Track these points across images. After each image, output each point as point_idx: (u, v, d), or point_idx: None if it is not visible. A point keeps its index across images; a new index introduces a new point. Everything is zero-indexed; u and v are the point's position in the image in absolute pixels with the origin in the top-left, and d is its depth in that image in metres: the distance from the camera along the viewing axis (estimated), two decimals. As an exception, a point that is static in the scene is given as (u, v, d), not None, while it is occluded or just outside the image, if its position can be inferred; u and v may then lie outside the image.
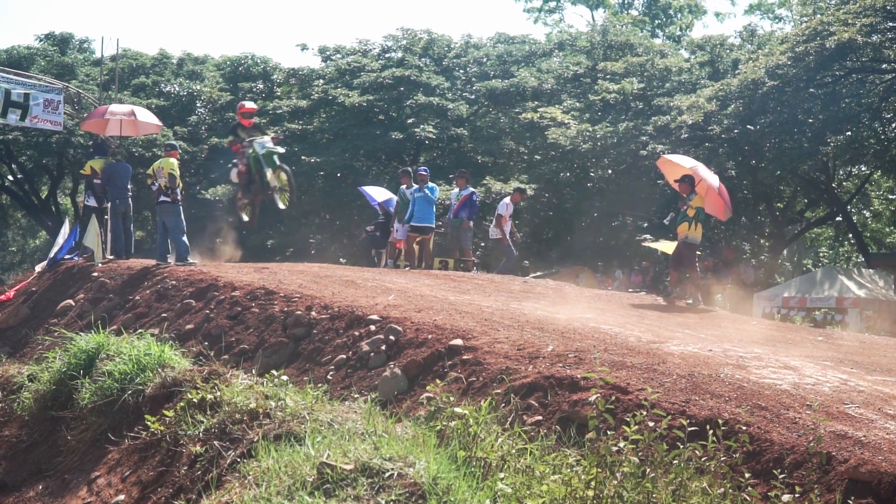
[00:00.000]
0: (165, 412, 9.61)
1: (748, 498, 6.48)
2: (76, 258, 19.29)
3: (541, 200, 40.35)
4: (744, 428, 7.10)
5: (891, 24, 33.12)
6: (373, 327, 11.08)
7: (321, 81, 47.55)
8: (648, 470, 6.66)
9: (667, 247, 19.28)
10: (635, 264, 38.83)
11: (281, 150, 19.39)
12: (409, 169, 23.04)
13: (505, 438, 7.68)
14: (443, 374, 9.32)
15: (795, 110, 32.86)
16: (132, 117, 21.01)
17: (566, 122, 39.76)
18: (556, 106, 41.72)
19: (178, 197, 18.08)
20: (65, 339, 12.73)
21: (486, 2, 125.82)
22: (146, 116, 21.89)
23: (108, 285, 16.36)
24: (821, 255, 50.99)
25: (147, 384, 10.59)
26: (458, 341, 9.94)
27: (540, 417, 8.15)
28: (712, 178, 17.65)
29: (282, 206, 19.38)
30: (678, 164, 18.38)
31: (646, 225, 37.96)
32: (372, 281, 15.14)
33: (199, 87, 50.98)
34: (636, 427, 6.94)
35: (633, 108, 40.31)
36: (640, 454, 6.83)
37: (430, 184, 21.37)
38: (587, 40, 46.40)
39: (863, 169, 38.42)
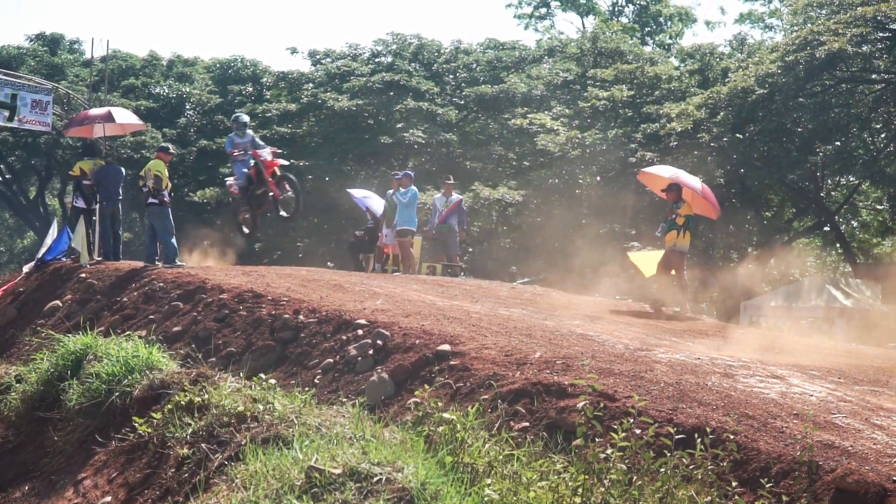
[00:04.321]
0: (153, 414, 9.62)
1: (735, 506, 6.51)
2: (64, 259, 19.24)
3: (529, 206, 40.33)
4: (731, 436, 7.12)
5: (881, 34, 33.22)
6: (360, 332, 11.07)
7: (311, 85, 47.43)
8: (635, 477, 6.68)
9: (643, 263, 19.21)
10: (623, 271, 38.81)
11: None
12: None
13: (492, 444, 7.69)
14: (430, 380, 9.32)
15: (785, 119, 32.91)
16: (111, 119, 20.72)
17: (555, 128, 39.74)
18: (546, 112, 41.69)
19: (166, 199, 18.05)
20: (52, 340, 12.73)
21: (477, 7, 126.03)
22: (124, 116, 21.64)
23: (95, 286, 16.32)
24: (808, 264, 51.04)
25: (134, 386, 10.58)
26: (446, 346, 9.95)
27: (527, 424, 8.16)
28: (694, 182, 17.74)
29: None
30: (658, 174, 18.49)
31: (633, 232, 37.93)
32: (360, 285, 15.13)
33: (188, 90, 50.89)
34: (623, 434, 6.97)
35: (623, 115, 40.31)
36: (627, 461, 6.85)
37: (412, 187, 21.27)
38: (577, 47, 46.35)
39: (851, 179, 38.42)
